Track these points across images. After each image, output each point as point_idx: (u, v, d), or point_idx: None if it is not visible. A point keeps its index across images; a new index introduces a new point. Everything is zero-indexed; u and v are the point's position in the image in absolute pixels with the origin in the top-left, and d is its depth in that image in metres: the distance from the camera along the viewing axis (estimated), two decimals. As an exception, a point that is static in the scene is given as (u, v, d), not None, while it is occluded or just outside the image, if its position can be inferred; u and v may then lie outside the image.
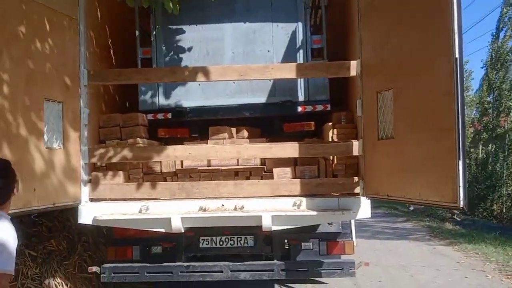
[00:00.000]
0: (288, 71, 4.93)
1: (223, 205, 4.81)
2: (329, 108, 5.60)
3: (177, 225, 4.68)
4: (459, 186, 3.41)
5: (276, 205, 4.79)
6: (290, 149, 4.91)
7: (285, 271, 5.10)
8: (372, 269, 7.58)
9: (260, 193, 4.88)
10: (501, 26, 19.44)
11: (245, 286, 6.01)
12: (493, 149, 20.41)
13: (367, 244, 10.17)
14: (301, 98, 5.67)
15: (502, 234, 10.98)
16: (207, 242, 5.23)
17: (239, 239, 5.23)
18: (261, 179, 5.11)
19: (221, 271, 5.09)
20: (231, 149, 4.95)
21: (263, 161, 5.34)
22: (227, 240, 5.23)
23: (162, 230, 4.76)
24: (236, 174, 5.21)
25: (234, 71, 4.97)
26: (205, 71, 4.94)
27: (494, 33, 19.93)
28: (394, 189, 4.24)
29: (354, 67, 4.84)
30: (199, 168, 5.26)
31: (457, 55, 3.44)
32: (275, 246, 5.24)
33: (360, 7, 4.75)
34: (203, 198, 4.86)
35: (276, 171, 5.07)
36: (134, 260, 5.22)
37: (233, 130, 5.71)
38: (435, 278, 7.02)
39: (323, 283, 6.70)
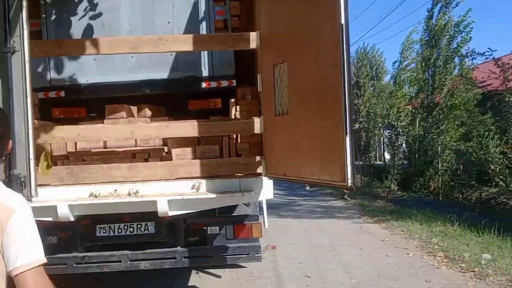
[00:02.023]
0: (184, 43, 4.53)
1: (116, 190, 4.39)
2: (234, 84, 5.28)
3: (64, 214, 4.24)
4: (347, 164, 3.18)
5: (174, 189, 4.43)
6: (188, 128, 4.54)
7: (188, 259, 4.82)
8: (296, 249, 7.53)
9: (157, 176, 4.50)
10: (435, 2, 19.66)
11: (170, 274, 5.79)
12: (428, 125, 20.90)
13: (296, 223, 10.14)
14: (205, 73, 5.31)
15: (433, 209, 11.13)
16: (104, 231, 4.84)
17: (139, 226, 4.87)
18: (161, 160, 4.76)
19: (119, 261, 4.75)
20: (125, 128, 4.54)
21: (165, 141, 4.99)
22: (126, 227, 4.86)
23: (50, 219, 4.33)
24: (134, 156, 4.83)
25: (125, 43, 4.52)
26: (93, 43, 4.47)
27: (429, 10, 20.20)
28: (289, 168, 3.99)
29: (254, 39, 4.50)
30: (92, 150, 4.84)
31: (342, 21, 3.17)
32: (179, 232, 4.93)
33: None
34: (94, 183, 4.45)
35: (175, 151, 4.72)
36: None
37: (134, 108, 5.31)
38: (357, 258, 6.96)
39: (242, 266, 6.48)
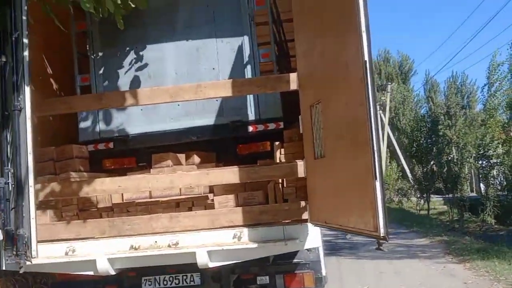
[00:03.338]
0: (223, 89, 4.45)
1: (156, 241, 4.31)
2: (282, 126, 5.06)
3: (103, 267, 4.21)
4: (378, 212, 2.82)
5: (215, 239, 4.26)
6: (229, 175, 4.39)
7: (236, 312, 4.56)
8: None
9: (198, 226, 4.36)
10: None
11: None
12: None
13: (373, 264, 9.47)
14: (251, 117, 5.17)
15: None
16: (149, 283, 4.73)
17: (184, 277, 4.71)
18: (205, 209, 4.61)
19: None
20: (164, 178, 4.47)
21: (212, 188, 4.85)
22: (171, 279, 4.72)
23: (91, 273, 4.31)
24: (178, 205, 4.73)
25: (164, 92, 4.52)
26: (133, 95, 4.51)
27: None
28: (329, 214, 3.67)
29: (294, 80, 4.32)
30: (137, 201, 4.81)
31: (366, 57, 2.88)
32: (226, 283, 4.70)
33: (294, 14, 4.26)
34: (135, 235, 4.38)
35: (217, 199, 4.56)
36: None
37: (182, 156, 5.25)
38: (433, 305, 6.28)
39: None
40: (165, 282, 4.72)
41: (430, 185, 21.40)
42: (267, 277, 4.74)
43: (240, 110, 5.16)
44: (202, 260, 4.12)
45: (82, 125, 5.33)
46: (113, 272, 4.27)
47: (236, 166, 4.43)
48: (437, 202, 23.43)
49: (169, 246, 4.26)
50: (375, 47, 51.56)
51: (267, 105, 5.12)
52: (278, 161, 4.67)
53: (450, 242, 11.53)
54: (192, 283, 4.70)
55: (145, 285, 4.74)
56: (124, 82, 5.32)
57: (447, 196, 21.30)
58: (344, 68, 3.18)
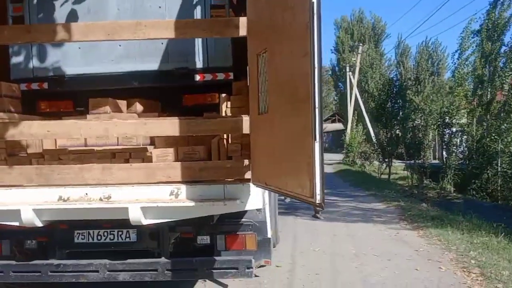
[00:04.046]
0: (164, 29, 3.98)
1: (86, 194, 3.95)
2: (232, 77, 4.69)
3: (28, 218, 3.84)
4: (315, 176, 2.53)
5: (150, 195, 3.93)
6: (168, 126, 4.01)
7: (171, 271, 4.31)
8: (317, 258, 6.92)
9: (133, 180, 4.01)
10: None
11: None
12: (488, 124, 19.38)
13: (327, 227, 9.40)
14: (199, 64, 4.78)
15: (482, 216, 10.05)
16: (82, 237, 4.44)
17: (120, 233, 4.42)
18: (143, 162, 4.26)
19: (97, 271, 4.31)
20: (98, 125, 4.06)
21: (153, 140, 4.49)
22: (106, 234, 4.43)
23: (16, 223, 3.95)
24: (114, 156, 4.35)
25: (99, 28, 4.03)
26: (66, 29, 4.02)
27: (492, 0, 18.65)
28: (269, 175, 3.38)
29: (244, 25, 3.90)
30: (70, 148, 4.42)
31: (314, -1, 2.51)
32: (163, 241, 4.43)
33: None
34: (64, 185, 4.01)
35: (155, 152, 4.20)
36: (4, 257, 4.45)
37: (123, 103, 4.84)
38: (381, 270, 6.20)
39: (255, 275, 5.90)
40: (99, 237, 4.43)
41: (392, 150, 21.56)
42: (208, 237, 4.50)
43: (187, 56, 4.75)
44: (135, 216, 3.79)
45: (14, 60, 4.85)
46: (39, 224, 3.91)
47: (176, 118, 4.06)
48: (399, 167, 23.71)
49: (100, 199, 3.91)
50: (349, 6, 51.10)
51: (216, 53, 4.72)
52: (224, 114, 4.33)
53: (406, 208, 11.56)
54: (127, 240, 4.42)
55: (77, 238, 4.45)
56: (60, 15, 4.80)
57: (409, 161, 21.54)
58: (290, 11, 2.81)
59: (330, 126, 66.54)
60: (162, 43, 4.70)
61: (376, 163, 24.99)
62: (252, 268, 4.28)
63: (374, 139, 28.81)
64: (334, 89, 64.04)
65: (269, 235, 4.96)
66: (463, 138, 20.23)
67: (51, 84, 4.81)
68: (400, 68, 37.41)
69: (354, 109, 40.05)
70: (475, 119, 19.42)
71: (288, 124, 2.93)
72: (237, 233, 4.46)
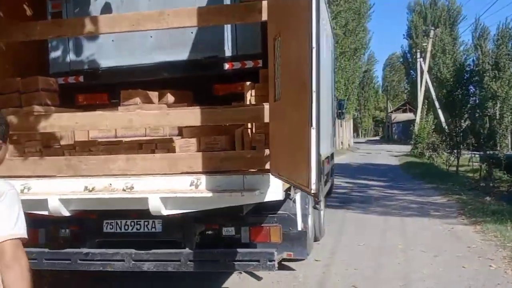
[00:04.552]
0: (187, 17, 3.96)
1: (110, 184, 4.03)
2: (260, 65, 4.58)
3: (55, 207, 3.98)
4: (311, 164, 2.39)
5: (172, 185, 3.94)
6: (188, 116, 4.02)
7: (193, 262, 4.31)
8: (360, 252, 6.69)
9: (155, 170, 4.04)
10: None
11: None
12: None
13: (379, 220, 9.08)
14: (228, 53, 4.72)
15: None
16: (111, 226, 4.53)
17: (146, 223, 4.47)
18: (168, 152, 4.28)
19: (123, 260, 4.39)
20: (122, 116, 4.15)
21: (181, 131, 4.50)
22: (133, 224, 4.50)
23: (45, 212, 4.09)
24: (141, 147, 4.41)
25: (124, 20, 4.10)
26: (92, 22, 4.11)
27: None
28: (281, 165, 3.27)
29: (265, 9, 3.78)
30: (99, 140, 4.52)
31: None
32: (189, 232, 4.44)
33: None
34: (91, 176, 4.11)
35: (178, 143, 4.21)
36: (40, 245, 4.64)
37: (154, 94, 4.88)
38: (425, 267, 5.87)
39: (292, 269, 5.82)
40: (126, 227, 4.51)
41: (461, 140, 20.46)
42: (233, 229, 4.46)
43: (216, 45, 4.71)
44: (155, 206, 3.82)
45: (53, 55, 5.02)
46: (66, 213, 4.04)
47: (198, 108, 4.04)
48: (473, 159, 22.48)
49: (123, 189, 3.97)
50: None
51: (245, 40, 4.64)
52: (248, 103, 4.25)
53: (468, 202, 10.90)
54: (153, 230, 4.46)
55: (106, 228, 4.54)
56: (95, 8, 4.93)
57: (481, 152, 20.37)
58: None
59: (400, 116, 64.61)
60: (192, 33, 4.70)
61: (445, 154, 23.78)
62: (274, 260, 4.18)
63: (446, 130, 27.53)
64: (406, 77, 61.76)
65: (300, 227, 4.85)
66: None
67: (87, 77, 4.95)
68: (478, 52, 34.77)
69: (425, 98, 38.49)
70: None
71: (293, 111, 2.81)
72: (262, 225, 4.38)
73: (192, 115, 3.98)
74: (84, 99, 5.11)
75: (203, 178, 3.86)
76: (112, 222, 4.50)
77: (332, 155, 10.91)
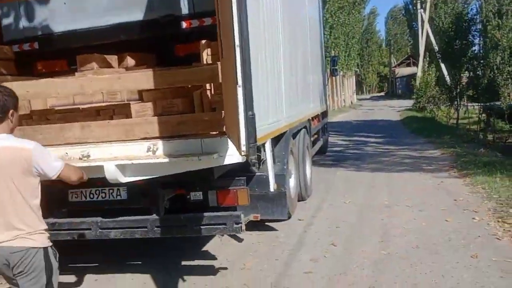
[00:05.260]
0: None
1: (67, 153, 3.90)
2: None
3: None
4: (239, 125, 2.23)
5: (128, 152, 3.80)
6: (141, 79, 3.83)
7: (160, 228, 4.23)
8: (344, 210, 6.63)
9: (111, 137, 3.91)
10: None
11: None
12: None
13: (369, 177, 8.96)
14: (184, 10, 4.49)
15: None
16: (76, 196, 4.43)
17: (111, 191, 4.36)
18: (126, 118, 4.11)
19: (89, 229, 4.32)
20: (73, 83, 3.98)
21: (141, 95, 4.33)
22: (98, 192, 4.39)
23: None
24: (98, 113, 4.24)
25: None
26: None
27: None
28: (227, 126, 3.10)
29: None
30: (56, 108, 4.36)
31: None
32: (155, 198, 4.33)
33: None
34: (47, 145, 3.96)
35: (134, 107, 4.04)
36: None
37: (114, 58, 4.68)
38: (407, 223, 5.78)
39: (274, 229, 5.76)
40: (91, 196, 4.41)
41: (461, 92, 20.07)
42: (201, 193, 4.35)
43: (171, 3, 4.46)
44: (111, 174, 3.70)
45: (5, 22, 4.80)
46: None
47: (150, 70, 3.85)
48: (471, 111, 22.17)
49: (79, 158, 3.85)
50: None
51: None
52: (205, 62, 4.05)
53: (461, 155, 10.73)
54: (118, 197, 4.36)
55: (71, 198, 4.45)
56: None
57: (481, 104, 20.01)
58: None
59: (403, 70, 63.73)
60: (146, -9, 4.45)
61: (445, 107, 23.42)
62: (241, 223, 4.09)
63: (448, 82, 27.07)
64: (408, 29, 60.50)
65: (272, 188, 4.76)
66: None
67: (42, 43, 4.75)
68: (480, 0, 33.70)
69: (427, 51, 37.75)
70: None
71: (230, 69, 2.62)
72: (229, 188, 4.27)
73: (145, 78, 3.80)
74: (43, 66, 4.92)
75: (159, 144, 3.72)
76: (77, 192, 4.40)
77: (324, 113, 10.74)
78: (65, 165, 2.62)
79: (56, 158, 2.64)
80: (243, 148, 2.25)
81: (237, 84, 2.22)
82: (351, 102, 45.85)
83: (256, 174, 4.94)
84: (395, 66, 70.47)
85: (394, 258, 4.64)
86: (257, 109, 3.97)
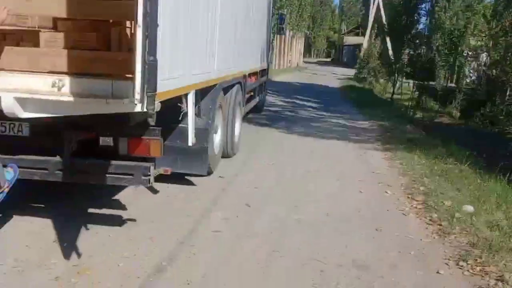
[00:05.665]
0: None
1: (-42, 78, 3.48)
2: None
3: None
4: (136, 68, 1.99)
5: (31, 85, 3.44)
6: (54, 5, 3.46)
7: (62, 172, 3.94)
8: (267, 172, 6.55)
9: (14, 66, 3.53)
10: None
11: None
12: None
13: (296, 142, 8.99)
14: None
15: (466, 144, 9.51)
16: (-29, 128, 4.01)
17: (12, 125, 3.99)
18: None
19: None
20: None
21: (55, 23, 3.91)
22: None
23: None
24: (4, 38, 3.80)
25: None
26: None
27: None
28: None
29: None
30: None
31: None
32: (59, 139, 4.00)
33: None
34: None
35: (43, 36, 3.64)
36: None
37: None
38: (321, 191, 5.82)
39: (193, 184, 5.59)
40: (-11, 129, 4.01)
41: (400, 68, 20.52)
42: (111, 139, 4.07)
43: None
44: (9, 107, 3.35)
45: None
46: None
47: (63, -5, 3.45)
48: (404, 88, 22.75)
49: (-24, 85, 3.46)
50: None
51: None
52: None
53: (389, 129, 11.02)
54: (20, 134, 4.01)
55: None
56: None
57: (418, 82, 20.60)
58: None
59: (351, 39, 64.26)
60: None
61: (382, 81, 23.95)
62: (149, 175, 3.89)
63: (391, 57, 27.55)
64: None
65: (191, 142, 4.57)
66: (475, 63, 19.14)
67: None
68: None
69: (376, 23, 38.07)
70: (491, 42, 18.19)
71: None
72: (142, 137, 4.02)
73: (56, 4, 3.42)
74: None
75: (66, 80, 3.39)
76: None
77: (264, 71, 10.56)
78: None
79: None
80: (137, 96, 2.03)
81: (137, 24, 1.97)
82: (297, 64, 45.92)
83: (179, 126, 4.74)
84: (344, 34, 70.97)
85: (304, 224, 4.66)
86: (175, 56, 3.74)
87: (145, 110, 2.41)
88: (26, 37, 3.77)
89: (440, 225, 4.77)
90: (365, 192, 5.80)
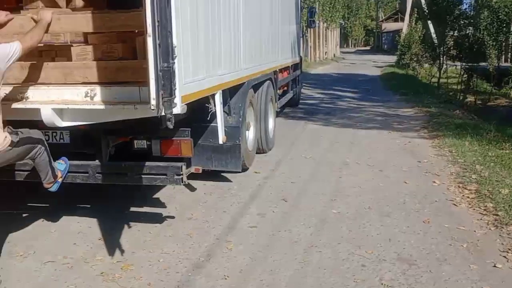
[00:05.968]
0: None
1: (5, 93, 3.77)
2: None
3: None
4: (149, 79, 2.13)
5: (66, 96, 3.69)
6: (81, 21, 3.66)
7: (101, 175, 4.19)
8: (304, 166, 6.57)
9: (50, 80, 3.78)
10: None
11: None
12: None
13: (336, 133, 8.92)
14: None
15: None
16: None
17: (54, 134, 4.27)
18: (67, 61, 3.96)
19: (29, 171, 4.24)
20: (13, 22, 3.76)
21: (86, 38, 4.14)
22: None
23: None
24: (40, 54, 4.07)
25: None
26: None
27: None
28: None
29: None
30: (-4, 46, 4.16)
31: None
32: (98, 144, 4.26)
33: None
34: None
35: (75, 51, 3.86)
36: None
37: (62, -4, 4.44)
38: (365, 182, 5.73)
39: (229, 180, 5.74)
40: (35, 138, 4.30)
41: (444, 51, 19.88)
42: (145, 142, 4.30)
43: None
44: (48, 118, 3.63)
45: None
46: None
47: (90, 12, 3.67)
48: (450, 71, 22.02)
49: (17, 100, 3.74)
50: None
51: None
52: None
53: (435, 115, 10.66)
54: (61, 141, 4.29)
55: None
56: None
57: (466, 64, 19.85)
58: None
59: (390, 26, 62.87)
60: None
61: (426, 66, 23.25)
62: (181, 174, 4.05)
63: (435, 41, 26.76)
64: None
65: (221, 140, 4.72)
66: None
67: None
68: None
69: (415, 6, 37.05)
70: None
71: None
72: (173, 138, 4.21)
73: (84, 21, 3.63)
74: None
75: (97, 89, 3.61)
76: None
77: (296, 65, 10.59)
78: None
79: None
80: (152, 102, 2.17)
81: (147, 34, 2.11)
82: (334, 55, 45.37)
83: (210, 125, 4.90)
84: (382, 21, 69.49)
85: (343, 218, 4.62)
86: (197, 60, 3.87)
87: (162, 114, 2.55)
88: (60, 52, 4.02)
89: (496, 215, 4.54)
90: (410, 183, 5.63)
